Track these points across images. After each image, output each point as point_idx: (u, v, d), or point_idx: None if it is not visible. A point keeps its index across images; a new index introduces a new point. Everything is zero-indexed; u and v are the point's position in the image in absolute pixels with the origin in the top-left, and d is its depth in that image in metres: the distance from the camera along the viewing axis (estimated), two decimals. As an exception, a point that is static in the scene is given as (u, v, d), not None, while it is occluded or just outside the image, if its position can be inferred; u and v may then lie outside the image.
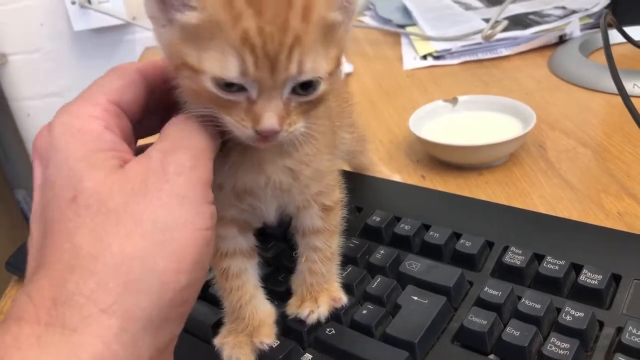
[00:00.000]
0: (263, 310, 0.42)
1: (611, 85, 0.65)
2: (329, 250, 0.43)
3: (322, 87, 0.33)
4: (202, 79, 0.31)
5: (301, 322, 0.42)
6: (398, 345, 0.40)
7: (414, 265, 0.45)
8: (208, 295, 0.47)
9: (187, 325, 0.45)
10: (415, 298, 0.42)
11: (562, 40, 0.98)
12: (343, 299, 0.43)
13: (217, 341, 0.42)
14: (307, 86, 0.32)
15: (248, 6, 0.29)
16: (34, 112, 1.40)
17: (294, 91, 0.32)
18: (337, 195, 0.43)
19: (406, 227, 0.49)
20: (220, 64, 0.30)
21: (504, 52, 0.98)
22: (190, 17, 0.30)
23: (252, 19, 0.29)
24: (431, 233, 0.48)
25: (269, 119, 0.31)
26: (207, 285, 0.47)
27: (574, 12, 1.03)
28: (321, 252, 0.42)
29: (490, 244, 0.46)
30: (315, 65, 0.31)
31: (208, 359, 0.43)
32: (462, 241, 0.46)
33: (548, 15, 1.05)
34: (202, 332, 0.44)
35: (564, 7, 1.06)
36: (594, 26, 1.00)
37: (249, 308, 0.41)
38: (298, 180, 0.39)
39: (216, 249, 0.41)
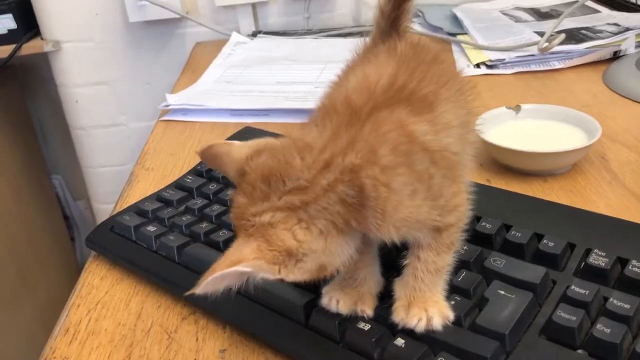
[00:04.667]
0: (374, 279, 0.45)
1: (675, 102, 0.67)
2: (433, 266, 0.42)
3: None
4: None
5: None
6: (488, 336, 0.41)
7: (499, 262, 0.47)
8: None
9: (280, 306, 0.48)
10: (503, 292, 0.44)
11: (616, 56, 0.99)
12: (451, 317, 0.43)
13: (324, 289, 0.46)
14: None
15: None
16: (82, 99, 1.43)
17: None
18: (452, 218, 0.41)
19: (488, 225, 0.51)
20: None
21: (557, 65, 0.99)
22: None
23: None
24: (513, 233, 0.49)
25: None
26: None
27: (627, 29, 1.04)
28: (424, 264, 0.42)
29: (572, 246, 0.48)
30: None
31: (300, 340, 0.45)
32: (545, 242, 0.48)
33: (601, 32, 1.06)
34: (293, 313, 0.46)
35: (617, 24, 1.08)
36: (649, 44, 1.01)
37: (363, 272, 0.45)
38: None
39: None
